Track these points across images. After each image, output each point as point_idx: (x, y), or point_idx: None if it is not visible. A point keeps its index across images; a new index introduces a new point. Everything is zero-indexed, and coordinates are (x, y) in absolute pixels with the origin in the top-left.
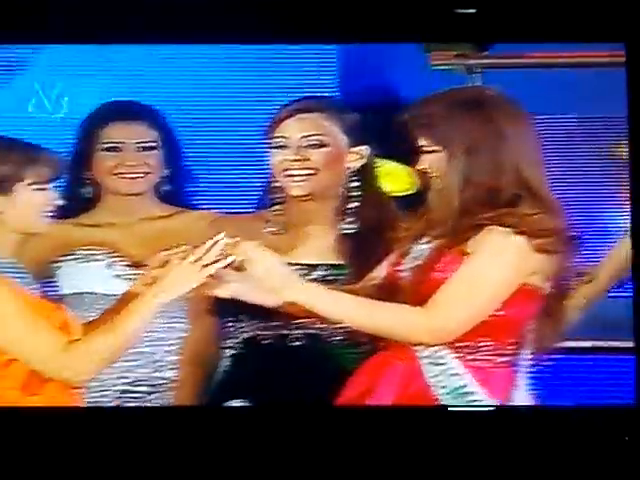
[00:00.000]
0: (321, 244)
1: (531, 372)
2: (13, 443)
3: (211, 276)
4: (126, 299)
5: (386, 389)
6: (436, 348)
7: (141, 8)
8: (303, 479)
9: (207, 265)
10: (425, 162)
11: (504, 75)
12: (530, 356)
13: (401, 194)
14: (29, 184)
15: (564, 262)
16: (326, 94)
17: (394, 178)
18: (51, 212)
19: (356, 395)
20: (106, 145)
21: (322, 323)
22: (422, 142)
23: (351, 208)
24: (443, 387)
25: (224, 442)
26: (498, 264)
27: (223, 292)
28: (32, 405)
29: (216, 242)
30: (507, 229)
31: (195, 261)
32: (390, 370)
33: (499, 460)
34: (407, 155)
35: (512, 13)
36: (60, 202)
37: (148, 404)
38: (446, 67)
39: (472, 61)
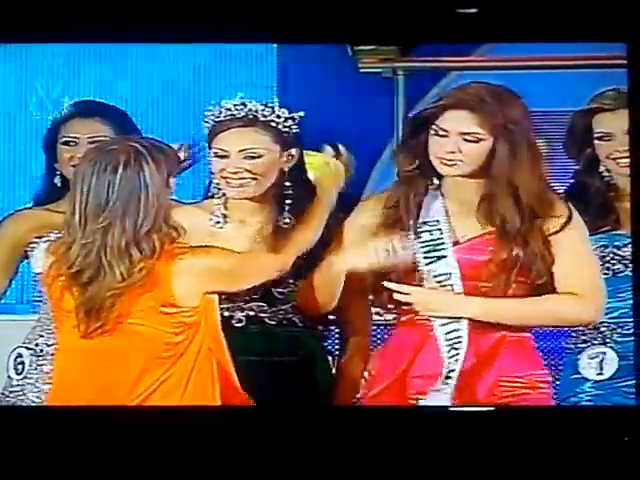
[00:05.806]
0: (258, 236)
1: None
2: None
3: None
4: None
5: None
6: None
7: (141, 8)
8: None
9: None
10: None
11: (427, 77)
12: None
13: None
14: None
15: None
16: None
17: (315, 167)
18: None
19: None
20: (63, 139)
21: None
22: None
23: (287, 204)
24: None
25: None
26: None
27: None
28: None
29: None
30: None
31: None
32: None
33: (499, 460)
34: None
35: (513, 13)
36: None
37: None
38: (373, 70)
39: (397, 64)
